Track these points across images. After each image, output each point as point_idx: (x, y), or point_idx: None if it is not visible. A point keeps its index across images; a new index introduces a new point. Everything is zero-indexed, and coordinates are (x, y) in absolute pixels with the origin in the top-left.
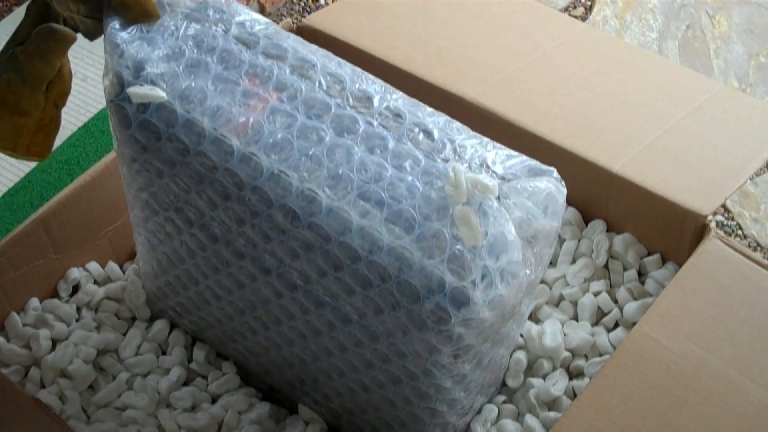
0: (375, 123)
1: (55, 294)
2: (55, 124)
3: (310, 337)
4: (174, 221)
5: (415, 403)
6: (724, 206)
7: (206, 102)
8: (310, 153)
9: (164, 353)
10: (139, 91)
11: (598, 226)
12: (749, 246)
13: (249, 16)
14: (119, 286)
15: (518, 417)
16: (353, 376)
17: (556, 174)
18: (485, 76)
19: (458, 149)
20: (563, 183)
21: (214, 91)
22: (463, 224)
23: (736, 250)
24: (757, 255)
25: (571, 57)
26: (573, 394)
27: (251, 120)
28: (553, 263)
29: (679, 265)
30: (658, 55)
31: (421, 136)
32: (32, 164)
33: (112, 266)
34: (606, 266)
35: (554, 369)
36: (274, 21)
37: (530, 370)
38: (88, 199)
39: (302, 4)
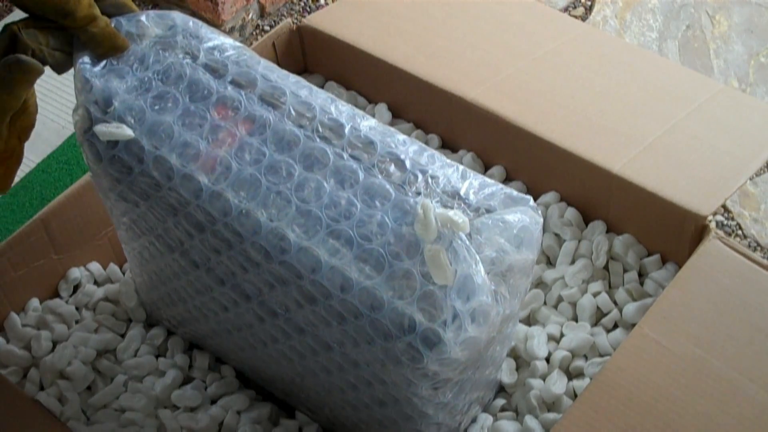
0: (345, 155)
1: (55, 294)
2: (17, 157)
3: (296, 359)
4: (156, 245)
5: (401, 424)
6: (724, 206)
7: (174, 138)
8: (279, 189)
9: (162, 356)
10: (105, 130)
11: (597, 226)
12: (749, 246)
13: (219, 41)
14: (117, 287)
15: (518, 417)
16: (340, 396)
17: (532, 203)
18: (485, 76)
19: (430, 180)
20: (539, 212)
21: (181, 126)
22: (432, 264)
23: (735, 250)
24: (757, 255)
25: (571, 57)
26: (573, 395)
27: (219, 156)
28: (552, 264)
29: (679, 265)
30: (658, 55)
31: (392, 167)
32: (32, 164)
33: (113, 267)
34: (606, 267)
35: (551, 371)
36: (274, 21)
37: (527, 370)
38: (88, 200)
39: (302, 4)
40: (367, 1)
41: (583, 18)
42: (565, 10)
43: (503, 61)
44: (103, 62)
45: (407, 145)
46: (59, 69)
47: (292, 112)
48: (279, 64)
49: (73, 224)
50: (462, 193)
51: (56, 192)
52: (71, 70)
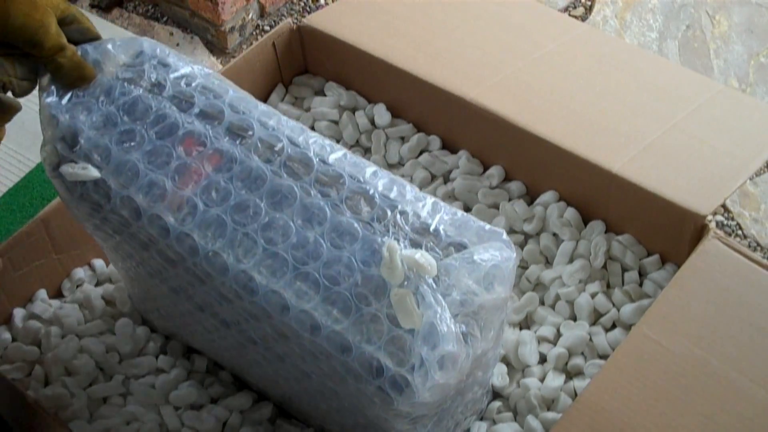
0: (312, 191)
1: (56, 293)
2: None
3: (281, 381)
4: (137, 270)
5: None
6: (724, 206)
7: (140, 177)
8: (247, 231)
9: (163, 353)
10: (71, 171)
11: (597, 226)
12: (749, 246)
13: (187, 69)
14: (115, 287)
15: (516, 418)
16: (328, 416)
17: (504, 236)
18: (485, 76)
19: (398, 217)
20: (512, 246)
21: (147, 165)
22: (399, 308)
23: (735, 250)
24: (757, 255)
25: (570, 57)
26: (574, 394)
27: (185, 196)
28: (549, 263)
29: (678, 265)
30: (658, 55)
31: (361, 202)
32: (32, 164)
33: (114, 268)
34: (604, 267)
35: (547, 370)
36: (274, 21)
37: (519, 373)
38: None
39: (302, 4)
40: (367, 1)
41: (583, 18)
42: (565, 10)
43: (503, 61)
44: (69, 94)
45: (377, 179)
46: (23, 95)
47: (259, 146)
48: (279, 64)
49: (73, 224)
50: (432, 228)
51: (56, 192)
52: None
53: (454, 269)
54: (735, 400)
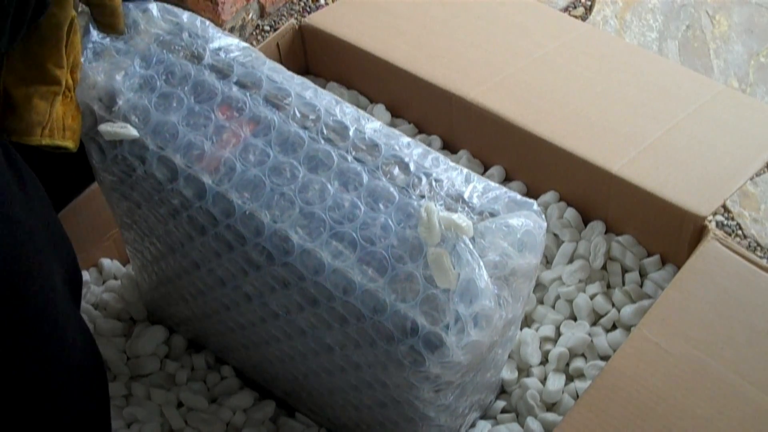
0: (349, 157)
1: None
2: (76, 105)
3: (298, 358)
4: (158, 246)
5: (402, 425)
6: (724, 206)
7: (178, 138)
8: (283, 191)
9: (165, 354)
10: (110, 129)
11: (596, 227)
12: (749, 246)
13: (224, 41)
14: (120, 286)
15: (518, 419)
16: (342, 396)
17: (536, 207)
18: (485, 76)
19: (434, 183)
20: (543, 216)
21: (186, 127)
22: (435, 267)
23: (734, 251)
24: (756, 256)
25: (571, 57)
26: (576, 395)
27: (224, 157)
28: (549, 264)
29: (678, 266)
30: (658, 55)
31: (396, 169)
32: None
33: (118, 267)
34: (604, 267)
35: (548, 370)
36: (274, 21)
37: (523, 371)
38: (95, 205)
39: (302, 4)
40: (367, 1)
41: (583, 18)
42: (565, 10)
43: (503, 61)
44: (105, 56)
45: (411, 148)
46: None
47: (297, 113)
48: (283, 65)
49: (81, 227)
50: (466, 196)
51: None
52: None
53: (490, 231)
54: (734, 402)
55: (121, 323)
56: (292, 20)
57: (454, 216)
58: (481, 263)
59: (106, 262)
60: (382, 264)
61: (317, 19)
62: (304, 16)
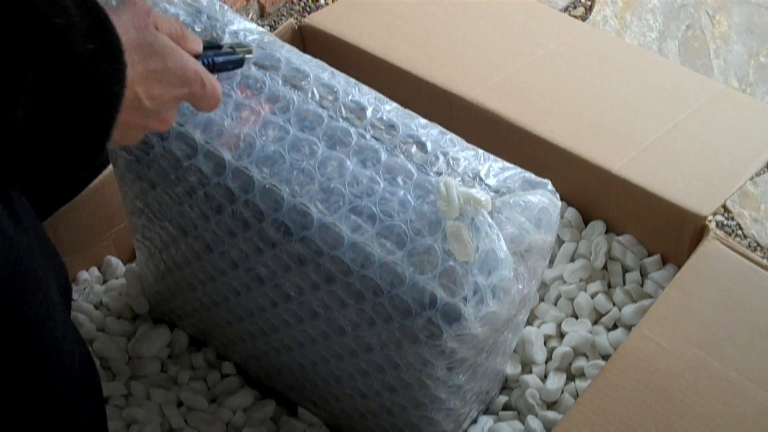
0: (367, 135)
1: None
2: None
3: (307, 344)
4: (169, 230)
5: (411, 411)
6: (724, 206)
7: (198, 114)
8: (302, 166)
9: (169, 357)
10: None
11: (597, 227)
12: (749, 246)
13: (243, 24)
14: (122, 283)
15: (519, 416)
16: (350, 383)
17: (550, 186)
18: (485, 76)
19: (451, 162)
20: (557, 195)
21: None
22: (454, 240)
23: (735, 251)
24: (756, 255)
25: (571, 57)
26: (576, 394)
27: (243, 133)
28: (550, 263)
29: (679, 266)
30: (658, 55)
31: (413, 148)
32: None
33: (119, 266)
34: (605, 267)
35: (550, 368)
36: (274, 21)
37: (526, 367)
38: (95, 203)
39: (302, 4)
40: (367, 1)
41: (583, 18)
42: (565, 10)
43: (503, 61)
44: None
45: (428, 129)
46: None
47: (315, 93)
48: None
49: (80, 227)
50: (482, 174)
51: None
52: None
53: (508, 206)
54: (735, 400)
55: (123, 322)
56: (292, 20)
57: (473, 190)
58: (500, 235)
59: (107, 259)
60: (401, 237)
61: (317, 19)
62: (304, 16)
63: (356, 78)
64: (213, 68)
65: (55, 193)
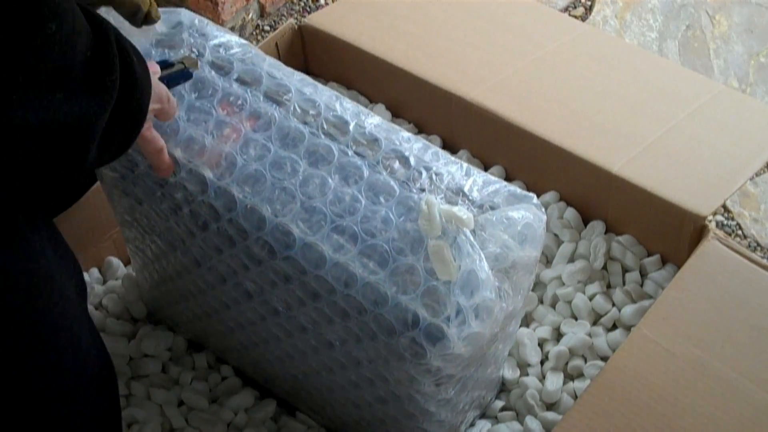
0: (350, 152)
1: None
2: None
3: (297, 357)
4: (159, 244)
5: (403, 422)
6: (724, 206)
7: (179, 133)
8: (284, 185)
9: (166, 356)
10: None
11: (597, 227)
12: (749, 246)
13: (224, 38)
14: (120, 287)
15: (518, 418)
16: (342, 394)
17: (536, 200)
18: (485, 76)
19: (434, 177)
20: (543, 210)
21: (187, 122)
22: (436, 259)
23: (734, 251)
24: (756, 255)
25: (571, 57)
26: (574, 395)
27: (225, 151)
28: (549, 264)
29: (678, 266)
30: (658, 55)
31: (396, 163)
32: None
33: (119, 267)
34: (604, 267)
35: (547, 369)
36: (274, 21)
37: (523, 369)
38: (95, 204)
39: (302, 4)
40: (367, 1)
41: (583, 18)
42: (565, 10)
43: (503, 61)
44: None
45: (411, 143)
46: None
47: (297, 109)
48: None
49: (81, 227)
50: (466, 190)
51: None
52: None
53: (490, 224)
54: (734, 400)
55: (123, 323)
56: (292, 20)
57: (455, 208)
58: (482, 255)
59: (107, 261)
60: (383, 257)
61: (317, 19)
62: (304, 16)
63: (356, 78)
64: (168, 85)
65: (60, 197)
